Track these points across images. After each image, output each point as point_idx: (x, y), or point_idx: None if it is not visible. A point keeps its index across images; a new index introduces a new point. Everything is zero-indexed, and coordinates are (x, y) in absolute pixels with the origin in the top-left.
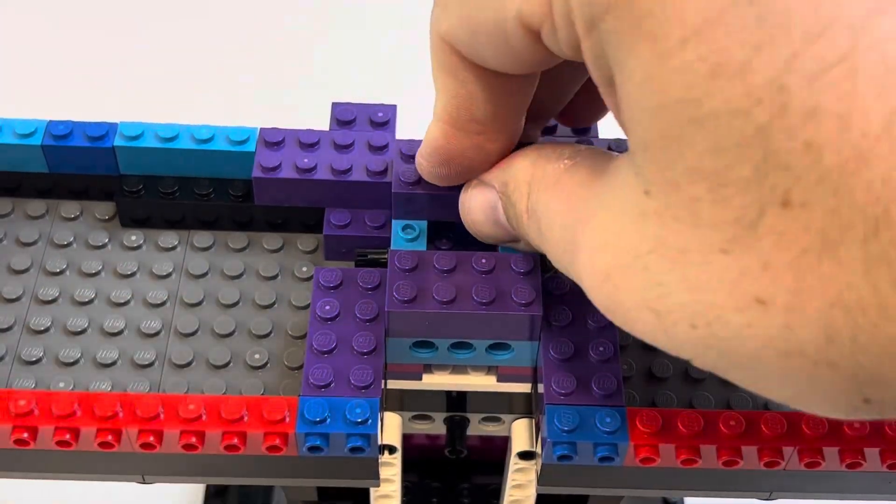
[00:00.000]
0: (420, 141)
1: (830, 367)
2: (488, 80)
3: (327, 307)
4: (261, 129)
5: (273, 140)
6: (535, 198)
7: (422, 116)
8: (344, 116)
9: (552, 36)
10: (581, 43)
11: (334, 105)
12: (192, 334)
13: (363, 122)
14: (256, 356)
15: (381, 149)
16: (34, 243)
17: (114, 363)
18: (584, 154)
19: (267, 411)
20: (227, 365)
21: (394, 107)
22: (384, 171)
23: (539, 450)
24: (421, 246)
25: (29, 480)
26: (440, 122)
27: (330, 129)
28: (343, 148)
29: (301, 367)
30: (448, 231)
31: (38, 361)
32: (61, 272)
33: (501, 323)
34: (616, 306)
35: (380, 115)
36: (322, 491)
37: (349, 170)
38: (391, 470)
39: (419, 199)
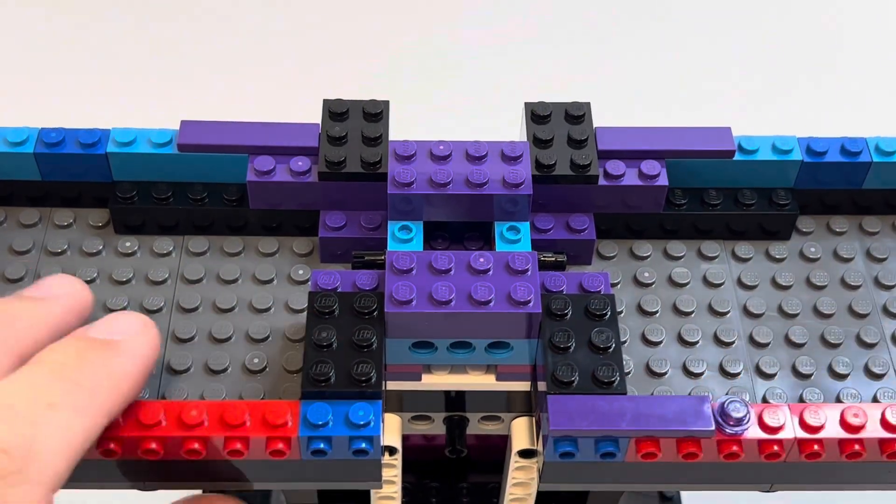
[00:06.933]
0: (416, 142)
1: None
2: None
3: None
4: None
5: None
6: None
7: (414, 112)
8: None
9: None
10: None
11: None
12: (190, 340)
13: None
14: (255, 360)
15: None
16: (28, 252)
17: None
18: None
19: (269, 415)
20: (225, 370)
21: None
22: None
23: (540, 448)
24: (417, 246)
25: None
26: None
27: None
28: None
29: (300, 370)
30: (443, 230)
31: None
32: None
33: (501, 322)
34: None
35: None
36: (323, 493)
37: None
38: (392, 471)
39: (415, 200)
